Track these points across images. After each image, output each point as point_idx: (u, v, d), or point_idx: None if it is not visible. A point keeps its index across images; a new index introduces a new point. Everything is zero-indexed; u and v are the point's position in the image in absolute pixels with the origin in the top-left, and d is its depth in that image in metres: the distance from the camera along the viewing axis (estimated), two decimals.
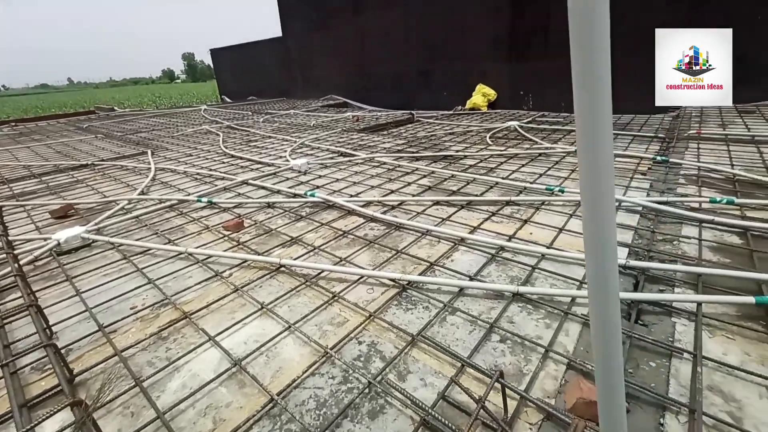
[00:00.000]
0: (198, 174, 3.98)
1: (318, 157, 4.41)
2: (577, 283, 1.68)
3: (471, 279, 1.76)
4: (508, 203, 2.60)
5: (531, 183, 2.94)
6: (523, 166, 3.50)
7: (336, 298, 1.70)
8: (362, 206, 2.72)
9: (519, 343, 1.38)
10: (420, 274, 1.84)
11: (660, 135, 4.44)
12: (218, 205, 2.97)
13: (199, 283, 1.90)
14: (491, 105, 8.01)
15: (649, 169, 3.16)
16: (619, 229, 2.15)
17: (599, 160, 0.46)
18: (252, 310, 1.66)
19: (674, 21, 5.95)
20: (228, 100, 16.47)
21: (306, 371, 1.29)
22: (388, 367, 1.30)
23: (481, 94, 8.04)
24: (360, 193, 3.08)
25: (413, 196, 2.87)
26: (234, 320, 1.59)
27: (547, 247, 1.98)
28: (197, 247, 2.22)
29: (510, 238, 2.12)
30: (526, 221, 2.31)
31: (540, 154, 3.83)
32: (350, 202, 2.79)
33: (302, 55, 12.57)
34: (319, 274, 1.91)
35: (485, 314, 1.54)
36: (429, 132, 5.76)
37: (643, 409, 1.11)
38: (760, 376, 1.17)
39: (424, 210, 2.62)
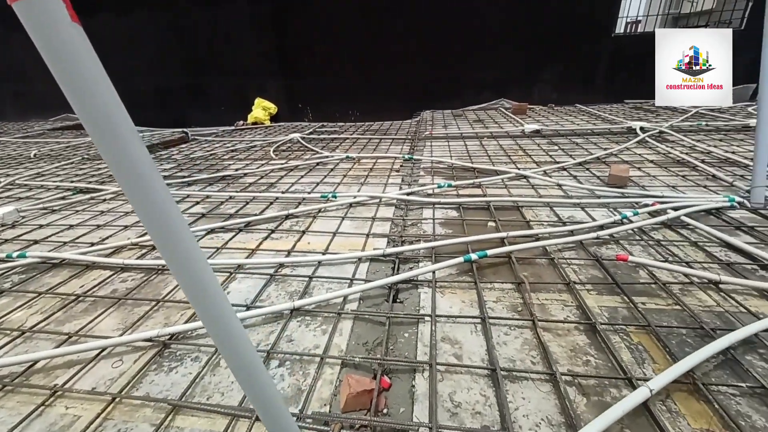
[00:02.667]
0: None
1: (39, 199, 3.26)
2: (348, 281, 1.83)
3: (248, 308, 1.65)
4: (287, 217, 2.61)
5: (309, 193, 3.07)
6: (302, 177, 3.62)
7: (57, 393, 1.25)
8: (110, 254, 2.16)
9: (297, 361, 1.37)
10: (187, 321, 1.59)
11: (409, 137, 5.49)
12: None
13: None
14: (274, 118, 8.03)
15: (401, 166, 3.85)
16: (380, 221, 2.50)
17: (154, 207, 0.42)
18: None
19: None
20: None
21: None
22: None
23: (261, 108, 7.94)
24: (108, 237, 2.44)
25: None
26: None
27: (323, 253, 2.08)
28: None
29: (289, 252, 2.12)
30: (304, 232, 2.37)
31: (318, 163, 4.07)
32: (90, 252, 2.17)
33: (10, 65, 9.13)
34: (31, 367, 1.37)
35: (264, 342, 1.47)
36: (207, 151, 5.23)
37: (401, 378, 1.29)
38: (470, 316, 1.55)
39: (197, 241, 2.31)
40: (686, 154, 3.64)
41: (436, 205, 2.71)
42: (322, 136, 6.07)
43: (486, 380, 1.25)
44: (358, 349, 1.42)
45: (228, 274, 1.94)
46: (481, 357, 1.35)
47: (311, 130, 6.73)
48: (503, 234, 2.14)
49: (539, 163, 3.63)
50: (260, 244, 2.24)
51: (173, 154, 5.15)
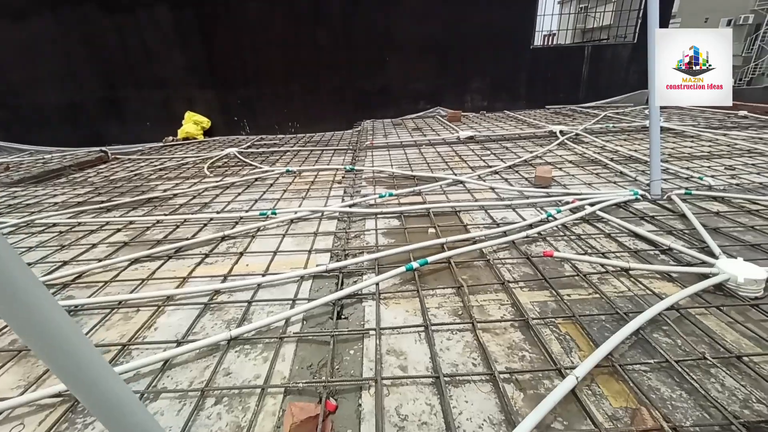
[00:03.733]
0: None
1: None
2: (290, 302, 1.76)
3: (179, 344, 1.52)
4: (223, 239, 2.46)
5: (247, 211, 2.93)
6: (240, 194, 3.45)
7: None
8: None
9: (236, 395, 1.28)
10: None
11: (350, 147, 5.50)
12: None
13: None
14: (207, 132, 7.61)
15: (343, 177, 3.84)
16: (322, 236, 2.45)
17: None
18: None
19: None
20: None
21: None
22: None
23: (193, 122, 7.48)
24: None
25: (99, 261, 2.24)
26: None
27: (263, 275, 1.99)
28: None
29: (225, 277, 2.00)
30: (242, 254, 2.25)
31: (257, 179, 3.91)
32: None
33: None
34: None
35: (198, 379, 1.36)
36: (131, 171, 4.79)
37: (347, 398, 1.26)
38: (414, 325, 1.57)
39: (116, 276, 2.09)
40: (598, 153, 4.07)
41: (379, 216, 2.73)
42: (261, 150, 5.86)
43: (431, 388, 1.27)
44: (302, 374, 1.37)
45: (155, 307, 1.78)
46: (426, 365, 1.37)
47: (249, 143, 6.48)
48: (443, 240, 2.22)
49: (474, 168, 3.83)
50: (193, 270, 2.08)
51: (90, 176, 4.64)
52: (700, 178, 3.08)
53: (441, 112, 7.82)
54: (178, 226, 2.74)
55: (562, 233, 2.34)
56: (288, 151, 5.73)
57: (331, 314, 1.68)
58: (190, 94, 7.55)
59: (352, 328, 1.58)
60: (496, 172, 3.66)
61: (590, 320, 1.55)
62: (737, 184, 2.98)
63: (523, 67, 7.87)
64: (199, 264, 2.15)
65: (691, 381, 1.22)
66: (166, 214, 2.97)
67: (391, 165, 4.18)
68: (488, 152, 4.49)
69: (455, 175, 3.58)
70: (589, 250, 2.11)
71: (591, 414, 1.13)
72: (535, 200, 2.85)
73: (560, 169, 3.65)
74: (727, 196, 2.69)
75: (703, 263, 1.84)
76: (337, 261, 2.11)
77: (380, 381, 1.27)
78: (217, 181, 3.87)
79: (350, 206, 2.89)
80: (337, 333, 1.53)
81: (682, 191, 2.79)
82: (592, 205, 2.62)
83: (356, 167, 4.05)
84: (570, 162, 3.88)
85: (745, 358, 1.30)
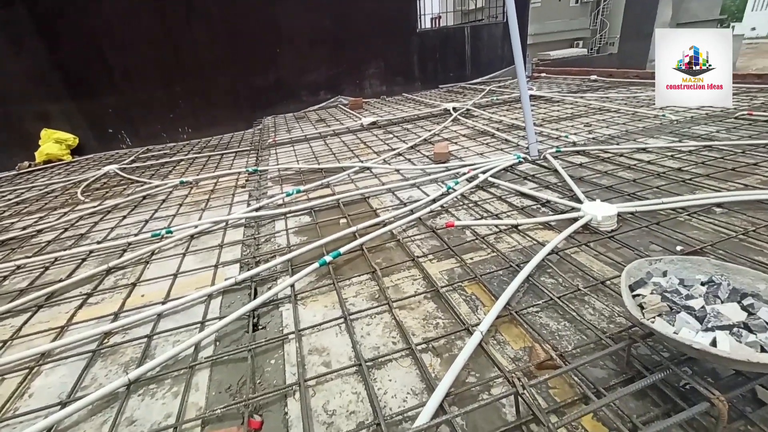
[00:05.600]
0: None
1: None
2: (199, 325, 1.62)
3: (63, 405, 1.29)
4: (109, 272, 2.15)
5: (136, 235, 2.59)
6: (125, 216, 3.03)
7: None
8: None
9: None
10: None
11: (253, 147, 5.18)
12: None
13: None
14: (76, 151, 6.47)
15: (247, 180, 3.61)
16: (229, 246, 2.29)
17: None
18: None
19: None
20: None
21: None
22: None
23: (54, 142, 6.28)
24: None
25: None
26: None
27: (164, 302, 1.79)
28: None
29: (116, 315, 1.75)
30: (134, 284, 1.99)
31: (144, 197, 3.47)
32: None
33: None
34: None
35: None
36: None
37: (272, 410, 1.22)
38: (334, 319, 1.57)
39: None
40: (486, 125, 4.47)
41: (288, 215, 2.64)
42: (148, 163, 5.21)
43: (356, 377, 1.29)
44: (221, 399, 1.28)
45: (27, 370, 1.48)
46: (349, 356, 1.38)
47: (132, 157, 5.70)
48: (354, 228, 2.23)
49: (379, 153, 3.91)
50: (73, 316, 1.78)
51: None
52: (566, 137, 3.58)
53: (342, 100, 7.78)
54: (47, 268, 2.31)
55: (461, 203, 2.53)
56: (182, 160, 5.19)
57: (246, 328, 1.59)
58: (43, 108, 6.30)
59: (271, 336, 1.51)
60: (399, 154, 3.79)
61: (491, 277, 1.72)
62: (593, 138, 3.53)
63: (414, 51, 8.19)
64: (80, 307, 1.85)
65: (571, 311, 1.43)
66: (28, 257, 2.48)
67: (297, 160, 4.06)
68: (391, 135, 4.62)
69: (361, 162, 3.61)
70: (485, 214, 2.32)
71: (496, 361, 1.26)
72: (436, 176, 3.03)
73: (456, 143, 3.92)
74: (586, 149, 3.18)
75: (572, 209, 2.16)
76: (248, 270, 1.99)
77: (303, 384, 1.25)
78: (95, 207, 3.34)
79: (257, 210, 2.74)
80: (254, 346, 1.46)
81: (554, 150, 3.21)
82: (484, 173, 2.88)
83: (260, 168, 3.84)
84: (464, 136, 4.19)
85: (608, 282, 1.57)
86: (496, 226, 2.13)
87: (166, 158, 5.42)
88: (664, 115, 3.88)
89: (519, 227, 2.09)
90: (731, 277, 1.15)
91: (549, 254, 1.79)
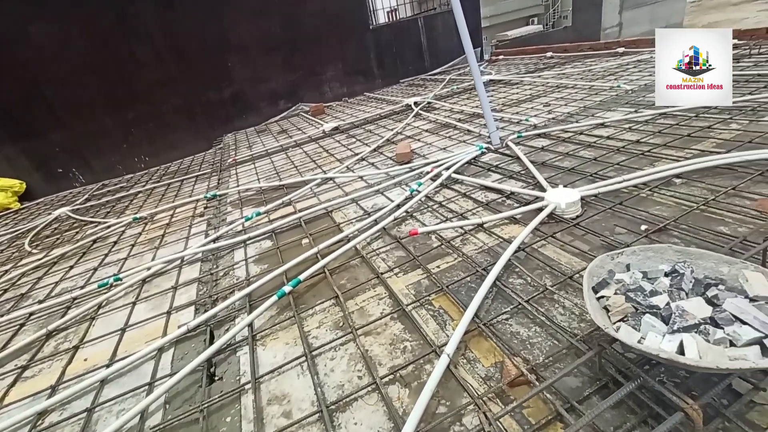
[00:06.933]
0: None
1: None
2: (147, 387, 1.47)
3: None
4: (49, 335, 1.96)
5: (82, 287, 2.39)
6: (73, 266, 2.81)
7: None
8: None
9: None
10: None
11: (214, 170, 4.96)
12: None
13: None
14: (24, 197, 6.08)
15: (205, 208, 3.43)
16: (183, 287, 2.13)
17: None
18: None
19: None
20: None
21: None
22: None
23: None
24: None
25: None
26: None
27: (108, 365, 1.63)
28: None
29: (54, 388, 1.58)
30: (77, 347, 1.81)
31: (95, 241, 3.24)
32: None
33: None
34: None
35: None
36: None
37: None
38: (294, 358, 1.45)
39: None
40: (448, 117, 4.39)
41: (248, 242, 2.49)
42: (104, 200, 4.93)
43: (318, 425, 1.18)
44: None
45: None
46: (311, 400, 1.26)
47: (87, 196, 5.39)
48: (315, 249, 2.11)
49: (342, 160, 3.78)
50: (4, 396, 1.60)
51: None
52: (527, 120, 3.54)
53: (304, 108, 7.58)
54: None
55: (426, 205, 2.43)
56: (140, 192, 4.94)
57: (201, 381, 1.45)
58: None
59: (226, 389, 1.38)
60: (363, 159, 3.67)
61: (458, 286, 1.63)
62: (553, 118, 3.50)
63: (370, 48, 8.05)
64: (13, 384, 1.66)
65: (540, 315, 1.35)
66: None
67: (258, 179, 3.89)
68: (354, 140, 4.50)
69: (324, 173, 3.48)
70: (450, 215, 2.23)
71: (466, 386, 1.17)
72: (400, 178, 2.93)
73: (419, 140, 3.83)
74: (546, 131, 3.14)
75: (536, 199, 2.09)
76: (204, 312, 1.84)
77: None
78: (39, 259, 3.09)
79: (214, 241, 2.58)
80: (208, 403, 1.33)
81: (515, 135, 3.16)
82: (447, 169, 2.79)
83: (219, 192, 3.65)
84: (426, 131, 4.10)
85: (576, 276, 1.51)
86: (461, 227, 2.04)
87: (123, 192, 5.15)
88: (619, 86, 3.89)
89: (484, 225, 2.01)
90: (694, 263, 1.09)
91: (516, 252, 1.71)
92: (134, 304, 2.08)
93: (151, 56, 6.42)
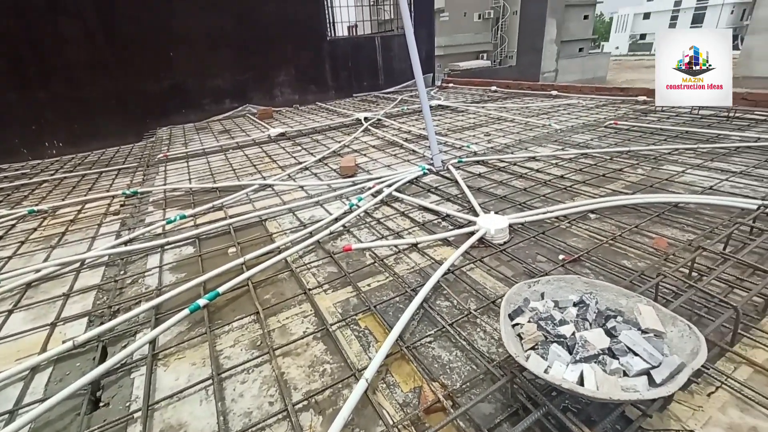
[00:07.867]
0: None
1: None
2: (8, 416, 1.22)
3: None
4: None
5: None
6: None
7: None
8: None
9: None
10: None
11: (141, 165, 4.51)
12: None
13: None
14: None
15: (122, 205, 3.07)
16: (78, 295, 1.85)
17: None
18: None
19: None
20: None
21: None
22: None
23: None
24: None
25: None
26: None
27: None
28: None
29: None
30: None
31: None
32: None
33: None
34: None
35: None
36: None
37: None
38: (199, 381, 1.29)
39: None
40: (396, 135, 4.47)
41: (166, 247, 2.26)
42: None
43: None
44: None
45: None
46: (212, 430, 1.13)
47: None
48: (242, 259, 1.96)
49: (284, 167, 3.65)
50: None
51: None
52: (468, 146, 3.71)
53: (251, 109, 7.29)
54: None
55: (364, 221, 2.41)
56: (45, 181, 4.30)
57: (81, 408, 1.23)
58: None
59: (111, 418, 1.19)
60: (306, 168, 3.57)
61: (386, 306, 1.60)
62: (492, 147, 3.71)
63: (325, 58, 8.03)
64: None
65: (462, 340, 1.37)
66: None
67: (190, 179, 3.59)
68: (299, 148, 4.38)
69: (263, 179, 3.32)
70: (387, 233, 2.22)
71: (383, 413, 1.12)
72: (342, 191, 2.88)
73: (365, 155, 3.83)
74: (485, 159, 3.31)
75: (469, 223, 2.16)
76: (100, 325, 1.60)
77: None
78: None
79: (126, 243, 2.30)
80: None
81: (456, 160, 3.28)
82: (389, 186, 2.80)
83: (141, 189, 3.31)
84: (373, 147, 4.13)
85: (498, 301, 1.55)
86: (396, 246, 2.04)
87: (25, 179, 4.46)
88: (550, 125, 4.26)
89: (418, 245, 2.03)
90: (599, 294, 1.17)
91: (445, 274, 1.73)
92: (10, 312, 1.75)
93: (80, 34, 5.78)
